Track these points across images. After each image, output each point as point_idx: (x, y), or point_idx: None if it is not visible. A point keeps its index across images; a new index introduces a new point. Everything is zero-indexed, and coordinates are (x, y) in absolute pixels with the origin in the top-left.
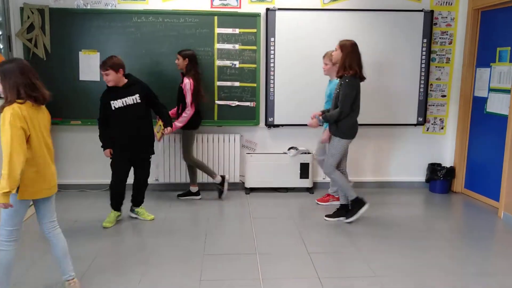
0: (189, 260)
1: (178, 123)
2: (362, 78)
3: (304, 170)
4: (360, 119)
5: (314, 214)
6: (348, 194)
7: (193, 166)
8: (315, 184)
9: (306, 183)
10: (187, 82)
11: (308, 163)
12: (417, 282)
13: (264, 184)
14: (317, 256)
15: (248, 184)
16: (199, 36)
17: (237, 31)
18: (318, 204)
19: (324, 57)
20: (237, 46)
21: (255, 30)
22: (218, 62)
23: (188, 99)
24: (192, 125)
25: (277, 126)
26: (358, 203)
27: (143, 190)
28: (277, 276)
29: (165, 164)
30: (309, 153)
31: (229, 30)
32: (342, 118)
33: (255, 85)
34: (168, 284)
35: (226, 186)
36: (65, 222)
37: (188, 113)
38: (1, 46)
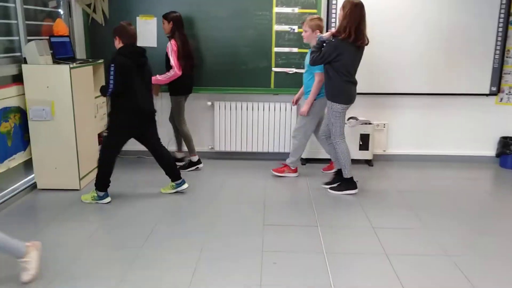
0: (250, 230)
1: (159, 77)
2: (360, 43)
3: (364, 141)
4: (425, 89)
5: (374, 186)
6: (344, 170)
7: (182, 133)
8: (375, 157)
9: (366, 155)
10: (170, 44)
11: (369, 134)
12: (493, 265)
13: (321, 155)
14: (382, 232)
15: (303, 155)
16: None
17: None
18: (324, 172)
19: (303, 23)
20: (296, 10)
21: None
22: (276, 27)
23: (173, 61)
24: (180, 91)
25: None
26: (349, 184)
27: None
28: (342, 251)
29: (221, 133)
30: (370, 123)
31: None
32: (313, 62)
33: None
34: (230, 254)
35: (192, 168)
36: (125, 188)
37: (172, 73)
38: (62, 12)
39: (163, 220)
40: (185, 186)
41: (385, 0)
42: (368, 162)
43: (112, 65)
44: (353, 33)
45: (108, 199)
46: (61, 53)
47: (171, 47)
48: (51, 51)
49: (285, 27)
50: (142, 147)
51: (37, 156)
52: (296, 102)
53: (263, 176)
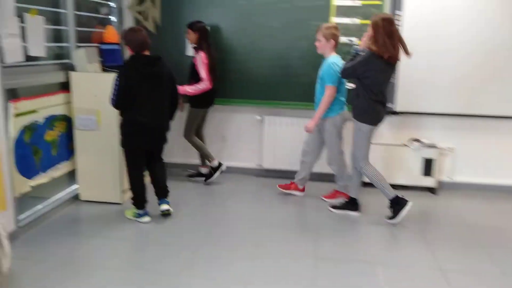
0: (298, 264)
1: (188, 89)
2: (391, 59)
3: (428, 167)
4: (498, 110)
5: (439, 218)
6: (385, 191)
7: (193, 144)
8: (439, 184)
9: (429, 182)
10: (200, 56)
11: (433, 159)
12: None
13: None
14: (452, 276)
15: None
16: (313, 8)
17: (358, 3)
18: (324, 200)
19: (317, 31)
20: (357, 21)
21: (380, 2)
22: None
23: (203, 73)
24: (202, 104)
25: (398, 113)
26: (399, 202)
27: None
28: None
29: (270, 149)
30: (435, 147)
31: (348, 2)
32: (344, 74)
33: None
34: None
35: (217, 174)
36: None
37: (203, 86)
38: (113, 19)
39: (204, 245)
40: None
41: (450, 12)
42: (432, 190)
43: (116, 77)
44: (383, 47)
45: (146, 219)
46: (110, 61)
47: (201, 59)
48: (100, 59)
49: (343, 39)
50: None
51: (81, 166)
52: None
53: (313, 198)
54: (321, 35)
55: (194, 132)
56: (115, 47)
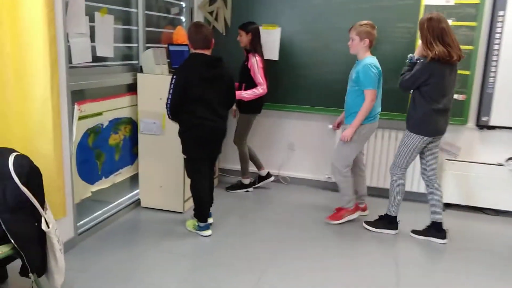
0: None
1: (245, 94)
2: (452, 60)
3: None
4: None
5: None
6: (392, 207)
7: (240, 151)
8: None
9: None
10: (256, 60)
11: None
12: None
13: (466, 201)
14: None
15: (443, 199)
16: (398, 8)
17: (451, 2)
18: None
19: (350, 30)
20: (449, 22)
21: (477, 1)
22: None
23: (259, 78)
24: (253, 109)
25: (493, 128)
26: (391, 222)
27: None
28: None
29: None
30: None
31: (441, 1)
32: (403, 86)
33: (468, 72)
34: None
35: (264, 182)
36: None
37: (260, 90)
38: (184, 19)
39: (270, 268)
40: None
41: None
42: None
43: (173, 77)
44: (439, 49)
45: (208, 232)
46: (178, 62)
47: (257, 63)
48: (168, 60)
49: None
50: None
51: (143, 172)
52: (338, 126)
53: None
54: (355, 34)
55: (246, 139)
56: (184, 48)
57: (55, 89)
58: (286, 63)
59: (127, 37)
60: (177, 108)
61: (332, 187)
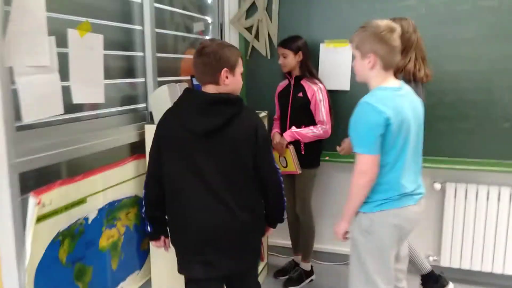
0: None
1: (308, 133)
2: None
3: None
4: None
5: None
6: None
7: (306, 223)
8: None
9: None
10: (319, 89)
11: None
12: None
13: None
14: None
15: None
16: None
17: None
18: None
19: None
20: None
21: None
22: None
23: (323, 115)
24: (318, 159)
25: None
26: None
27: None
28: None
29: (457, 237)
30: None
31: None
32: None
33: None
34: None
35: (306, 281)
36: None
37: (321, 131)
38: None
39: None
40: None
41: None
42: None
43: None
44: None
45: None
46: None
47: (321, 92)
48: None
49: None
50: None
51: (158, 278)
52: None
53: None
54: (354, 45)
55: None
56: None
57: None
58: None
59: (128, 69)
60: (153, 190)
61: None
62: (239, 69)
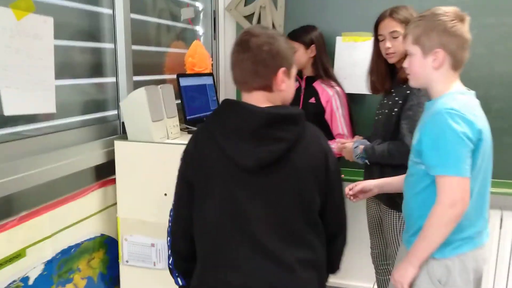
0: None
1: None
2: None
3: None
4: None
5: None
6: None
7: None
8: None
9: None
10: (336, 93)
11: None
12: None
13: None
14: None
15: None
16: None
17: None
18: None
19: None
20: None
21: None
22: None
23: (343, 127)
24: None
25: None
26: None
27: None
28: None
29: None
30: None
31: None
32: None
33: None
34: None
35: None
36: None
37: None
38: (201, 30)
39: None
40: None
41: None
42: None
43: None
44: None
45: None
46: (197, 108)
47: (338, 98)
48: (180, 104)
49: None
50: None
51: None
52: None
53: None
54: (410, 41)
55: None
56: (207, 81)
57: None
58: None
59: (93, 65)
60: (183, 241)
61: None
62: (295, 69)
